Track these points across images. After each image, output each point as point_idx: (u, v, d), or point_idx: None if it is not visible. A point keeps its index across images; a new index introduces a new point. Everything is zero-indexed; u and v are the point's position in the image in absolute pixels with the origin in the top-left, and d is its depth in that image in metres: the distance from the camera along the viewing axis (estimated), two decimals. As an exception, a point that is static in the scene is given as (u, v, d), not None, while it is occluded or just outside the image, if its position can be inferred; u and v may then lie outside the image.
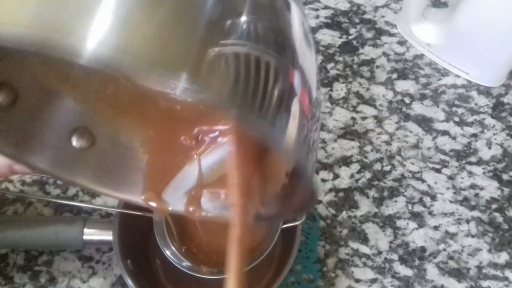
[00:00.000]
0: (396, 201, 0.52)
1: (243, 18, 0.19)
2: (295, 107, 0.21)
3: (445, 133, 0.57)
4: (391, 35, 0.67)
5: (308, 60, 0.23)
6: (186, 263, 0.39)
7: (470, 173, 0.54)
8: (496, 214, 0.51)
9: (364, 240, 0.49)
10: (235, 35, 0.19)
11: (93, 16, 0.17)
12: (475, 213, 0.51)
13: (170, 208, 0.35)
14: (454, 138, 0.57)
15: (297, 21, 0.22)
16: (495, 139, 0.57)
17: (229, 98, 0.18)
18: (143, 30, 0.17)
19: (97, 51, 0.16)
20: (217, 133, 0.32)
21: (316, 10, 0.70)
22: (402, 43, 0.66)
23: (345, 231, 0.50)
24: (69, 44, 0.16)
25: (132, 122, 0.33)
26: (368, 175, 0.54)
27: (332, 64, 0.64)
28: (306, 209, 0.28)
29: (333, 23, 0.69)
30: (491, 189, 0.53)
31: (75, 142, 0.32)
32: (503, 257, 0.48)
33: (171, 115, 0.32)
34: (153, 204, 0.34)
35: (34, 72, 0.28)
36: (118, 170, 0.34)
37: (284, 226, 0.40)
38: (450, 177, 0.54)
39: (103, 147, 0.33)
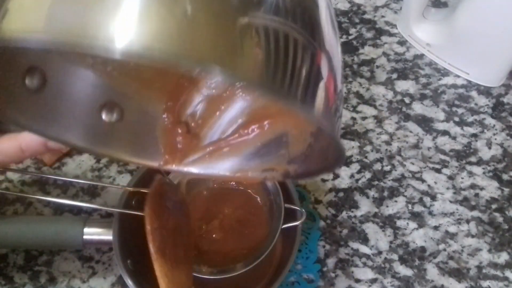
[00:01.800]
0: (396, 201, 0.52)
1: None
2: (322, 75, 0.21)
3: (445, 133, 0.57)
4: (391, 35, 0.67)
5: (335, 46, 0.23)
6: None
7: (470, 173, 0.54)
8: (496, 214, 0.51)
9: (364, 240, 0.49)
10: (264, 8, 0.19)
11: (118, 14, 0.17)
12: (475, 213, 0.51)
13: (185, 170, 0.35)
14: (454, 138, 0.57)
15: (324, 5, 0.23)
16: (495, 139, 0.57)
17: (259, 79, 0.18)
18: (169, 22, 0.18)
19: (127, 48, 0.17)
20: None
21: (316, 10, 0.70)
22: (402, 43, 0.66)
23: (345, 231, 0.50)
24: (100, 46, 0.17)
25: (156, 92, 0.34)
26: (368, 175, 0.54)
27: (332, 64, 0.64)
28: (335, 166, 0.29)
29: (333, 23, 0.69)
30: (491, 189, 0.53)
31: (104, 116, 0.33)
32: (503, 257, 0.48)
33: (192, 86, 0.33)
34: (172, 167, 0.35)
35: (59, 55, 0.30)
36: (147, 139, 0.35)
37: (284, 226, 0.40)
38: (450, 177, 0.54)
39: (132, 118, 0.34)
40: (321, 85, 0.21)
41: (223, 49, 0.18)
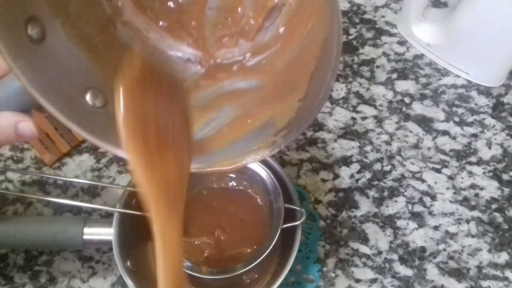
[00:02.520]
0: (396, 201, 0.52)
1: None
2: None
3: (445, 133, 0.57)
4: (391, 35, 0.67)
5: None
6: (186, 263, 0.39)
7: (470, 173, 0.54)
8: (496, 214, 0.51)
9: (364, 240, 0.49)
10: None
11: None
12: (475, 213, 0.51)
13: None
14: (454, 138, 0.57)
15: None
16: (495, 139, 0.57)
17: None
18: None
19: None
20: None
21: (316, 10, 0.70)
22: (402, 43, 0.66)
23: (345, 231, 0.50)
24: None
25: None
26: (368, 175, 0.54)
27: (332, 64, 0.64)
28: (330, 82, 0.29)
29: (333, 23, 0.69)
30: (491, 189, 0.53)
31: (88, 98, 0.34)
32: (503, 257, 0.48)
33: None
34: None
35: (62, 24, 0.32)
36: None
37: (284, 226, 0.40)
38: (450, 177, 0.54)
39: (114, 110, 0.34)
40: None
41: None
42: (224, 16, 0.37)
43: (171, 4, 0.37)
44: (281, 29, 0.36)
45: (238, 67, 0.37)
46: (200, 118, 0.36)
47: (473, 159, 0.55)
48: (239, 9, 0.36)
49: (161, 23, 0.38)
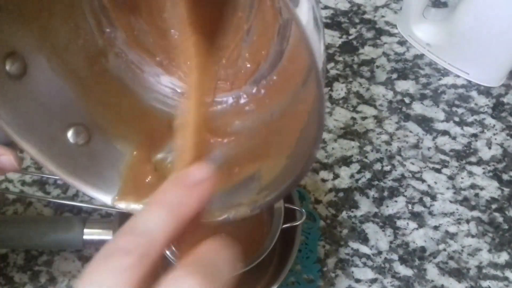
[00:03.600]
0: (396, 201, 0.52)
1: None
2: None
3: (445, 133, 0.57)
4: (391, 35, 0.67)
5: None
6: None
7: (470, 173, 0.54)
8: (496, 214, 0.51)
9: (364, 240, 0.49)
10: None
11: None
12: (475, 213, 0.51)
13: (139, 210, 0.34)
14: (454, 138, 0.57)
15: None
16: (495, 139, 0.57)
17: None
18: None
19: None
20: None
21: (316, 10, 0.70)
22: (402, 43, 0.66)
23: (345, 231, 0.50)
24: None
25: (131, 131, 0.34)
26: (368, 175, 0.54)
27: (332, 64, 0.64)
28: (311, 158, 0.28)
29: (333, 23, 0.69)
30: (491, 189, 0.53)
31: (70, 136, 0.32)
32: (503, 257, 0.48)
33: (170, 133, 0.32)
34: (122, 206, 0.34)
35: (45, 56, 0.29)
36: (106, 173, 0.34)
37: (284, 226, 0.40)
38: (450, 177, 0.54)
39: (97, 148, 0.33)
40: None
41: None
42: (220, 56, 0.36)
43: (165, 40, 0.35)
44: (275, 77, 0.34)
45: (232, 106, 0.36)
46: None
47: (473, 159, 0.55)
48: (235, 50, 0.34)
49: (157, 58, 0.36)
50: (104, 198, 0.34)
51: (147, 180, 0.34)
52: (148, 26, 0.34)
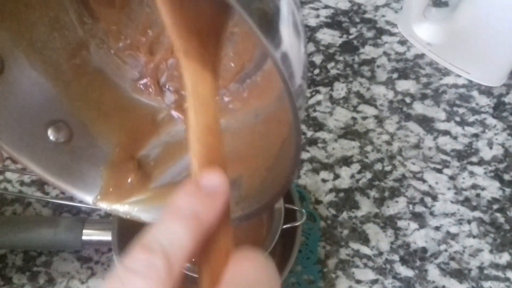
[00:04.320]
0: (397, 202, 0.52)
1: None
2: None
3: (446, 133, 0.57)
4: (391, 34, 0.67)
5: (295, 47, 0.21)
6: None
7: (471, 173, 0.54)
8: (498, 214, 0.51)
9: (365, 240, 0.49)
10: None
11: None
12: (477, 214, 0.51)
13: (120, 211, 0.34)
14: (455, 138, 0.57)
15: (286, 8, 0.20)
16: (496, 139, 0.57)
17: None
18: None
19: None
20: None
21: (317, 9, 0.70)
22: (402, 42, 0.66)
23: (345, 232, 0.50)
24: None
25: (113, 127, 0.33)
26: (368, 175, 0.54)
27: (332, 64, 0.64)
28: (288, 182, 0.27)
29: (333, 23, 0.69)
30: (492, 189, 0.53)
31: (50, 133, 0.31)
32: (504, 258, 0.48)
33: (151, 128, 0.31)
34: (103, 206, 0.33)
35: (25, 55, 0.28)
36: (88, 170, 0.33)
37: (284, 226, 0.40)
38: (451, 177, 0.54)
39: (79, 145, 0.33)
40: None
41: None
42: None
43: (144, 36, 0.34)
44: (259, 78, 0.33)
45: None
46: (169, 159, 0.34)
47: (474, 159, 0.55)
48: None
49: (140, 49, 0.35)
50: (85, 197, 0.33)
51: (129, 179, 0.33)
52: (130, 21, 0.33)
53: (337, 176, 0.54)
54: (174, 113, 0.36)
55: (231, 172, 0.29)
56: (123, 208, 0.33)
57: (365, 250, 0.49)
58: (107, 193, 0.33)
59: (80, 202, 0.50)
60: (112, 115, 0.33)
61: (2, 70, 0.28)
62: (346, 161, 0.55)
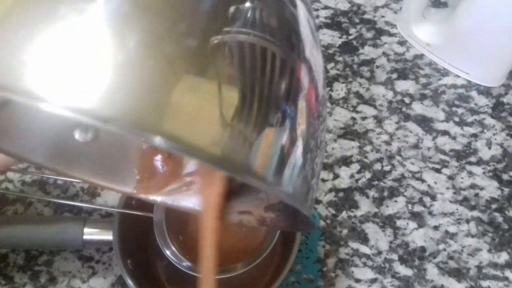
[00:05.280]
0: (396, 201, 0.52)
1: (247, 5, 0.18)
2: (302, 104, 0.20)
3: (445, 133, 0.57)
4: (391, 35, 0.67)
5: (316, 55, 0.22)
6: (186, 263, 0.39)
7: (470, 173, 0.54)
8: (496, 214, 0.51)
9: (364, 240, 0.49)
10: (238, 23, 0.18)
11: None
12: (475, 213, 0.51)
13: (159, 201, 0.34)
14: (454, 138, 0.57)
15: (304, 17, 0.22)
16: (495, 139, 0.57)
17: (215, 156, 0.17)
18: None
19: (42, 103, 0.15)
20: None
21: (316, 10, 0.70)
22: (402, 43, 0.66)
23: (345, 231, 0.50)
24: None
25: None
26: (368, 175, 0.54)
27: (332, 64, 0.64)
28: (305, 230, 0.28)
29: (333, 23, 0.69)
30: (491, 189, 0.53)
31: (78, 135, 0.31)
32: (503, 257, 0.48)
33: None
34: (144, 196, 0.34)
35: None
36: (122, 163, 0.33)
37: (284, 226, 0.40)
38: (450, 177, 0.54)
39: (108, 139, 0.32)
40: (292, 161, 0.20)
41: (170, 114, 0.16)
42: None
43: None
44: None
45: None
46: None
47: (473, 159, 0.55)
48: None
49: None
50: (125, 189, 0.33)
51: (162, 168, 0.33)
52: None
53: (336, 176, 0.54)
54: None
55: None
56: (161, 198, 0.33)
57: (364, 249, 0.49)
58: (143, 184, 0.33)
59: (81, 201, 0.50)
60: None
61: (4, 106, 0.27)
62: (345, 161, 0.55)
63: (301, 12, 0.21)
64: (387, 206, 0.52)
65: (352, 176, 0.54)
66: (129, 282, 0.39)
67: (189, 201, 0.33)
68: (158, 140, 0.16)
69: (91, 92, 0.16)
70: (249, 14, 0.18)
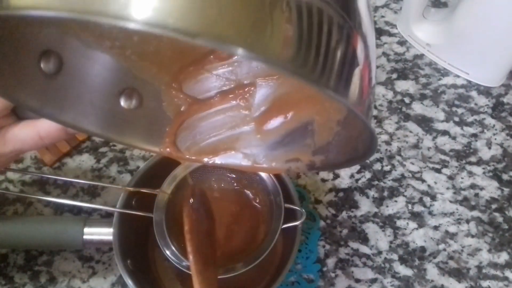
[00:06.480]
0: (396, 201, 0.52)
1: None
2: (356, 61, 0.21)
3: (445, 133, 0.57)
4: (391, 35, 0.67)
5: (368, 24, 0.23)
6: (186, 263, 0.39)
7: (470, 173, 0.54)
8: (496, 214, 0.51)
9: (364, 240, 0.49)
10: None
11: None
12: (475, 213, 0.51)
13: (206, 160, 0.35)
14: (454, 138, 0.57)
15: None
16: (495, 139, 0.57)
17: (287, 62, 0.18)
18: None
19: (139, 23, 0.16)
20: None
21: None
22: (402, 43, 0.66)
23: (345, 231, 0.50)
24: (112, 15, 0.16)
25: (175, 77, 0.33)
26: (368, 175, 0.54)
27: (332, 64, 0.64)
28: (366, 156, 0.28)
29: (333, 23, 0.69)
30: (491, 189, 0.53)
31: (123, 102, 0.33)
32: (503, 257, 0.48)
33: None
34: (169, 151, 0.35)
35: (76, 37, 0.29)
36: (165, 126, 0.34)
37: (284, 226, 0.40)
38: (450, 177, 0.54)
39: (151, 105, 0.33)
40: (357, 71, 0.21)
41: (248, 25, 0.17)
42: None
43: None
44: None
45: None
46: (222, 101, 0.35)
47: (473, 159, 0.55)
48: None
49: None
50: (154, 148, 0.35)
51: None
52: None
53: (336, 176, 0.54)
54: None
55: (303, 113, 0.30)
56: (210, 159, 0.35)
57: (364, 249, 0.49)
58: (172, 141, 0.35)
59: (81, 201, 0.50)
60: (171, 64, 0.33)
61: (61, 68, 0.28)
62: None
63: None
64: (387, 206, 0.52)
65: (352, 176, 0.54)
66: (129, 282, 0.39)
67: (235, 159, 0.35)
68: (240, 51, 0.17)
69: (177, 10, 0.17)
70: None
